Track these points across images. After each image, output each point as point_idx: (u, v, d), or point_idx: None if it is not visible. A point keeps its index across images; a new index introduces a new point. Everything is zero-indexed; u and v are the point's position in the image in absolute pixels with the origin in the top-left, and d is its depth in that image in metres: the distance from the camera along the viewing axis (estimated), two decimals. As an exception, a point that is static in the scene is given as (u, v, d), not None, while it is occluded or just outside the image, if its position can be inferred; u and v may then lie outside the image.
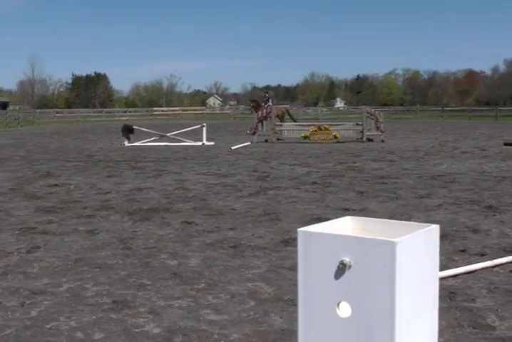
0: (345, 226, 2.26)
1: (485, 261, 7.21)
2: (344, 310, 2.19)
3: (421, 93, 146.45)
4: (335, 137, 29.10)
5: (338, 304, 2.21)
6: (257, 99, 37.47)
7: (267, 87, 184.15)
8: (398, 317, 2.03)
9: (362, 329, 2.10)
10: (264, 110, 32.75)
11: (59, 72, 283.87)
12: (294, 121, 39.25)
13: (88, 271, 7.12)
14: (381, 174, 15.64)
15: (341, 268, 2.13)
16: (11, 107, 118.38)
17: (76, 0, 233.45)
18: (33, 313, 5.72)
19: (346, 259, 2.10)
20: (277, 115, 36.18)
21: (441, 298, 5.91)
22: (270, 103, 38.47)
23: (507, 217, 9.98)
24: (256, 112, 34.62)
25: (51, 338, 5.12)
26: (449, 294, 6.07)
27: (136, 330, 5.25)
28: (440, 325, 5.21)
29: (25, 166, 19.23)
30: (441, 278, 6.49)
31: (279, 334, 5.09)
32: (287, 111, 38.70)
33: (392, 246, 2.02)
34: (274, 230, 9.13)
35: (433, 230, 2.33)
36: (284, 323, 5.32)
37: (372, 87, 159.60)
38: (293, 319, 5.36)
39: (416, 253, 2.15)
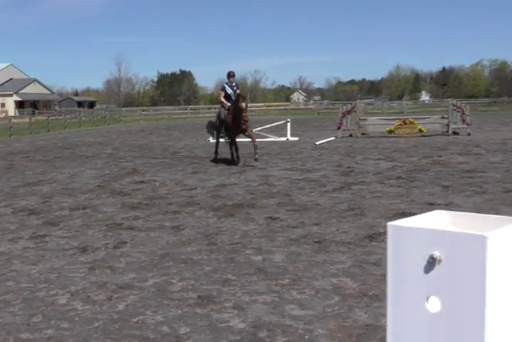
0: (434, 220, 2.20)
1: None
2: (434, 305, 2.15)
3: (508, 84, 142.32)
4: (420, 130, 28.65)
5: (427, 299, 2.17)
6: None
7: (352, 82, 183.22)
8: (488, 313, 1.98)
9: (452, 324, 2.06)
10: None
11: (145, 70, 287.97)
12: None
13: (173, 266, 7.21)
14: (467, 168, 15.31)
15: (431, 263, 2.09)
16: (97, 106, 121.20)
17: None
18: (120, 307, 5.83)
19: (436, 253, 2.06)
20: None
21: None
22: None
23: None
24: None
25: (138, 331, 5.20)
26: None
27: (221, 325, 5.29)
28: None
29: (111, 163, 19.63)
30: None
31: (363, 329, 5.04)
32: None
33: (483, 240, 1.97)
34: (358, 225, 9.06)
35: (525, 224, 2.25)
36: (369, 319, 5.27)
37: (458, 79, 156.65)
38: (378, 315, 5.31)
39: (507, 247, 2.08)
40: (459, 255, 2.08)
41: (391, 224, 2.16)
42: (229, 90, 18.71)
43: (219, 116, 19.11)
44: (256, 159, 17.76)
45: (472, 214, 2.17)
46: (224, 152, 18.86)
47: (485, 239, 2.09)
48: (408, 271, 2.16)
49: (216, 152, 19.47)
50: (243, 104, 17.50)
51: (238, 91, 18.74)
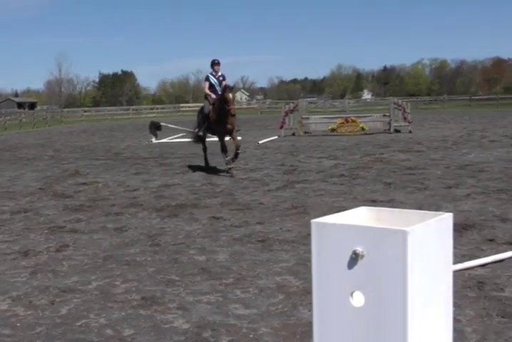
0: (358, 216, 2.26)
1: (515, 250, 7.15)
2: (358, 299, 2.20)
3: (448, 83, 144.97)
4: (362, 128, 29.04)
5: (351, 294, 2.22)
6: None
7: (294, 81, 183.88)
8: (410, 306, 2.04)
9: (375, 318, 2.12)
10: None
11: (86, 71, 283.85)
12: None
13: (116, 268, 7.17)
14: (408, 165, 15.56)
15: (354, 258, 2.14)
16: (38, 107, 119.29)
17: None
18: (63, 311, 5.77)
19: (359, 249, 2.11)
20: None
21: (470, 287, 5.89)
22: None
23: (537, 205, 9.88)
24: None
25: (81, 335, 5.16)
26: (477, 284, 6.03)
27: (165, 326, 5.28)
28: (468, 315, 5.19)
29: (53, 165, 19.37)
30: (469, 268, 6.45)
31: (307, 327, 5.07)
32: None
33: (404, 235, 2.02)
34: (301, 223, 9.12)
35: (446, 219, 2.32)
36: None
37: (399, 78, 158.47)
38: (321, 312, 5.37)
39: (428, 241, 2.14)
40: (381, 250, 2.14)
41: (314, 221, 2.20)
42: (213, 80, 16.45)
43: (202, 111, 16.82)
44: (229, 170, 15.41)
45: (396, 209, 2.23)
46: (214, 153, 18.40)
47: (405, 234, 2.16)
48: (333, 267, 2.21)
49: (205, 156, 17.07)
50: (230, 94, 15.13)
51: (224, 83, 16.39)
